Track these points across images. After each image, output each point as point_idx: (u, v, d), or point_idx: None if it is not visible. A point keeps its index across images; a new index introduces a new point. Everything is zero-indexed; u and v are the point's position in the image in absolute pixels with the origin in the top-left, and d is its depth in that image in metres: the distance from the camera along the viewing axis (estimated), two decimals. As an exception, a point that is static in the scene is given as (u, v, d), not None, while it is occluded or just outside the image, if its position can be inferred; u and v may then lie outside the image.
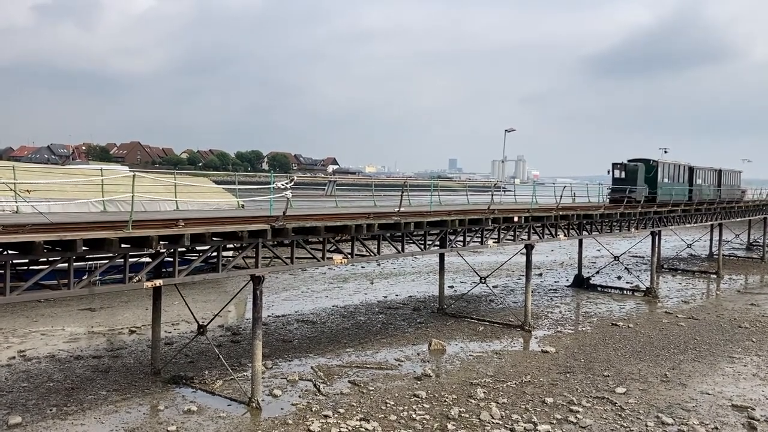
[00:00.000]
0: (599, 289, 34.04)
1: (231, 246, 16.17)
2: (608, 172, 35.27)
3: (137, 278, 13.04)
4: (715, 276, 40.17)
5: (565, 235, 26.97)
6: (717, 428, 15.09)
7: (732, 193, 46.77)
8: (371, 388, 17.07)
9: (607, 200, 33.76)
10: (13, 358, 18.96)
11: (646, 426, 14.97)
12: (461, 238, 22.59)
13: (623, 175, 34.58)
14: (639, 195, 33.23)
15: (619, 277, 38.30)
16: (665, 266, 43.37)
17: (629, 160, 35.44)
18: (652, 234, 33.69)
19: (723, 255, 43.09)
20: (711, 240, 49.82)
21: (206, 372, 17.97)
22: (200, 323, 17.52)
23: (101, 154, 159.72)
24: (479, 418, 15.01)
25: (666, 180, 36.98)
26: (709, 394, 17.61)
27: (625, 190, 32.69)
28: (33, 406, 15.16)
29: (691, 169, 40.25)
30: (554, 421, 15.06)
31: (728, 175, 46.99)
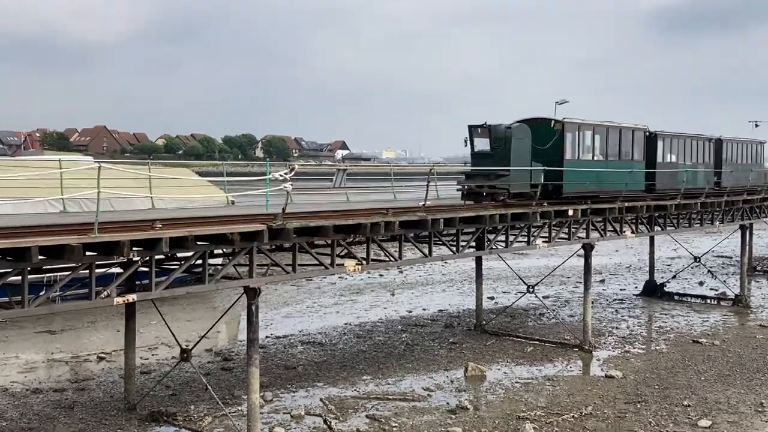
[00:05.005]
0: (676, 297, 33.77)
1: (219, 252, 16.26)
2: (465, 142, 23.71)
3: (106, 293, 13.14)
4: (823, 279, 39.70)
5: (632, 232, 26.78)
6: (828, 470, 14.92)
7: (743, 178, 35.38)
8: (394, 425, 17.10)
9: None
10: (-42, 392, 19.24)
11: (739, 468, 14.84)
12: (503, 238, 22.51)
13: (488, 146, 23.12)
14: (517, 183, 22.78)
15: (701, 283, 38.02)
16: (759, 268, 42.91)
17: (519, 121, 24.28)
18: (742, 228, 33.34)
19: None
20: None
21: (192, 407, 18.10)
22: (183, 347, 17.60)
23: (59, 142, 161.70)
24: (529, 460, 14.97)
25: (585, 155, 26.30)
26: (817, 427, 17.42)
27: (488, 174, 22.77)
28: (-17, 450, 15.38)
29: (652, 138, 29.08)
30: (623, 463, 14.99)
31: (735, 149, 35.55)
